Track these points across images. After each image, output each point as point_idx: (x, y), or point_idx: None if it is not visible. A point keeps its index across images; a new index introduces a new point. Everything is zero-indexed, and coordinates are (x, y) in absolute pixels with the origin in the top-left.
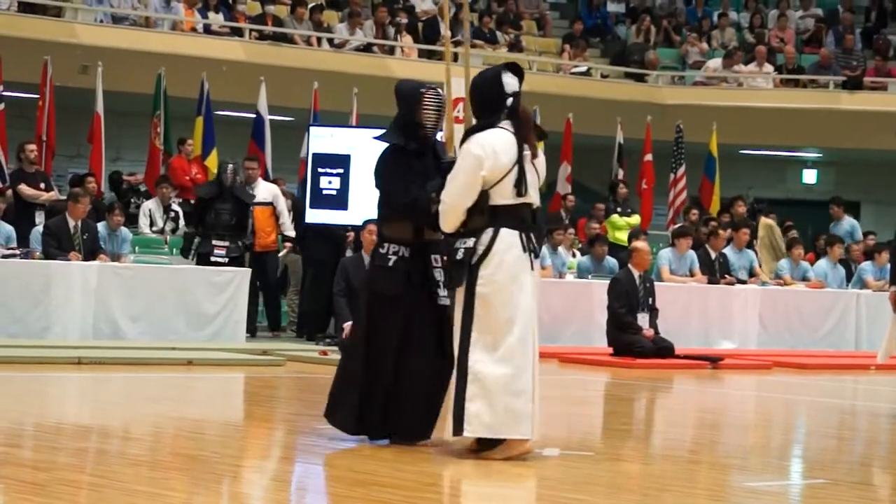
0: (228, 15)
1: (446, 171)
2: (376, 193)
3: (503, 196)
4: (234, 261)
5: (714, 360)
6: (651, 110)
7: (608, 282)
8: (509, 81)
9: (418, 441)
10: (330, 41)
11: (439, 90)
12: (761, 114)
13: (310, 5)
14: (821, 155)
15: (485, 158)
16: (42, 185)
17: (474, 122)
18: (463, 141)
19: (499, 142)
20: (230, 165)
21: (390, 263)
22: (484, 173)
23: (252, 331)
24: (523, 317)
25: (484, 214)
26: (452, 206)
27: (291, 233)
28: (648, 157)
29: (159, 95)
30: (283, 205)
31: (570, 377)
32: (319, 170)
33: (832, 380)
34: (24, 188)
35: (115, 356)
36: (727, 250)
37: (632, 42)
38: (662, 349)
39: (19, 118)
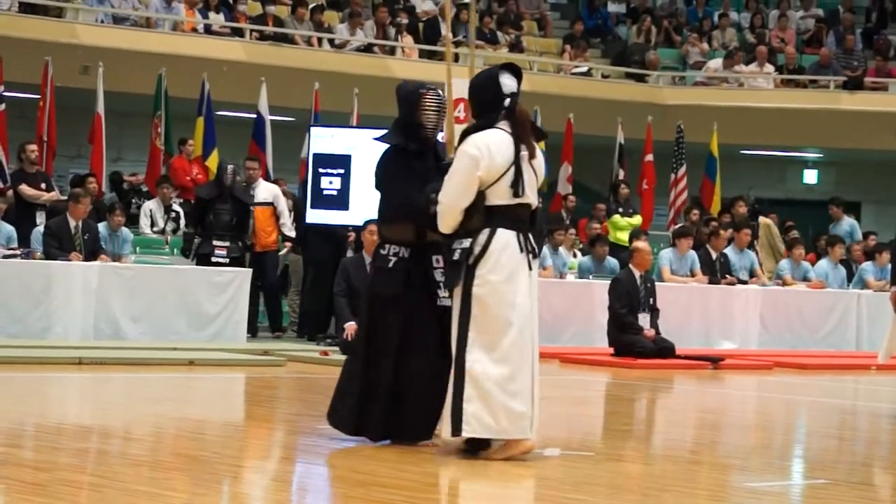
0: (229, 15)
1: (446, 172)
2: (377, 194)
3: (499, 196)
4: (235, 261)
5: (715, 361)
6: (652, 110)
7: (609, 282)
8: (507, 82)
9: (419, 441)
10: (331, 41)
11: (439, 91)
12: (762, 114)
13: (310, 6)
14: (821, 155)
15: (481, 159)
16: (43, 186)
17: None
18: (460, 141)
19: (495, 142)
20: (230, 166)
21: (390, 264)
22: (480, 174)
23: (253, 331)
24: (520, 317)
25: (480, 215)
26: (449, 206)
27: (292, 233)
28: (649, 157)
29: (160, 96)
30: (283, 205)
31: (571, 377)
32: (320, 170)
33: (833, 380)
34: (25, 188)
35: (116, 356)
36: (728, 250)
37: (632, 42)
38: (663, 349)
39: (20, 118)
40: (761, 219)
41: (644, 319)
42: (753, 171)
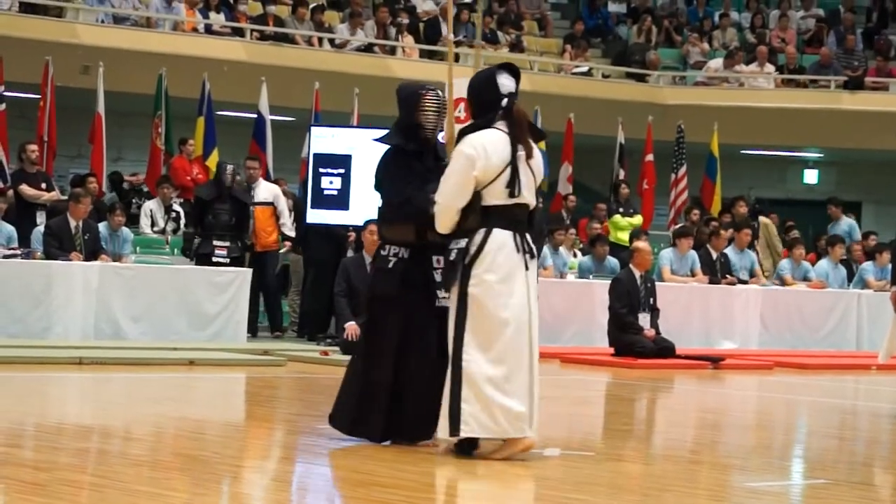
0: (230, 15)
1: None
2: (377, 195)
3: (495, 197)
4: (235, 261)
5: (715, 361)
6: (652, 110)
7: (609, 282)
8: (505, 82)
9: (419, 441)
10: (331, 41)
11: (439, 92)
12: (762, 114)
13: (311, 5)
14: (822, 155)
15: (476, 158)
16: (43, 186)
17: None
18: (457, 141)
19: (491, 142)
20: (229, 166)
21: (390, 265)
22: (476, 173)
23: (253, 331)
24: (517, 317)
25: (477, 215)
26: (446, 206)
27: (292, 233)
28: (649, 157)
29: (160, 95)
30: (283, 205)
31: (572, 377)
32: (320, 170)
33: (833, 380)
34: (26, 188)
35: (117, 356)
36: (728, 250)
37: (633, 42)
38: (663, 349)
39: (20, 118)
40: (761, 218)
41: (644, 319)
42: (754, 171)
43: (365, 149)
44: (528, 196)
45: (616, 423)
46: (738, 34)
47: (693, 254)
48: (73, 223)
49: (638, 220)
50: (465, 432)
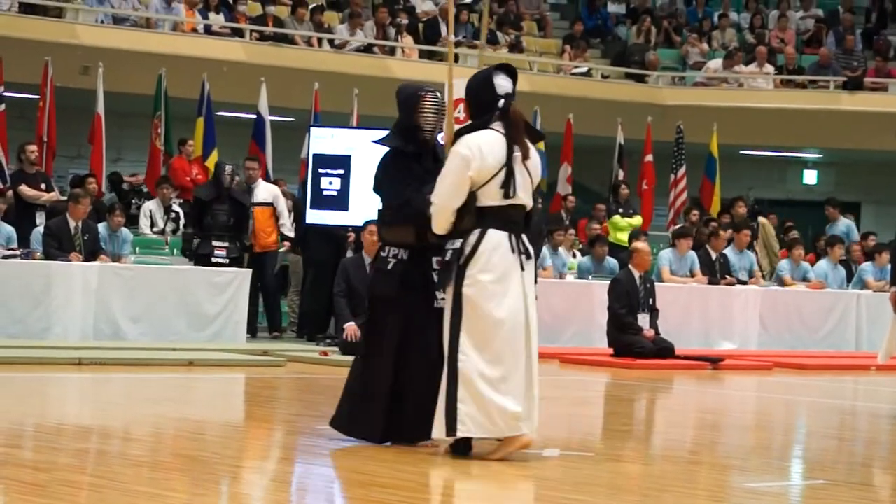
0: (229, 16)
1: None
2: (376, 197)
3: (490, 197)
4: (234, 261)
5: (714, 361)
6: (651, 111)
7: (608, 282)
8: (501, 83)
9: (419, 442)
10: (330, 42)
11: (438, 93)
12: (762, 114)
13: (310, 6)
14: (821, 155)
15: (472, 159)
16: (43, 186)
17: None
18: (454, 142)
19: (487, 143)
20: (228, 167)
21: (389, 266)
22: (471, 174)
23: (253, 331)
24: (512, 317)
25: (472, 215)
26: (442, 206)
27: (291, 233)
28: (649, 157)
29: (160, 96)
30: (283, 205)
31: (571, 378)
32: (320, 170)
33: (832, 380)
34: (25, 189)
35: (116, 357)
36: (728, 251)
37: (632, 43)
38: (663, 350)
39: (20, 119)
40: (760, 219)
41: (643, 320)
42: (753, 172)
43: (364, 149)
44: (524, 197)
45: (615, 423)
46: (737, 35)
47: (692, 254)
48: (72, 224)
49: (637, 220)
50: (462, 432)
